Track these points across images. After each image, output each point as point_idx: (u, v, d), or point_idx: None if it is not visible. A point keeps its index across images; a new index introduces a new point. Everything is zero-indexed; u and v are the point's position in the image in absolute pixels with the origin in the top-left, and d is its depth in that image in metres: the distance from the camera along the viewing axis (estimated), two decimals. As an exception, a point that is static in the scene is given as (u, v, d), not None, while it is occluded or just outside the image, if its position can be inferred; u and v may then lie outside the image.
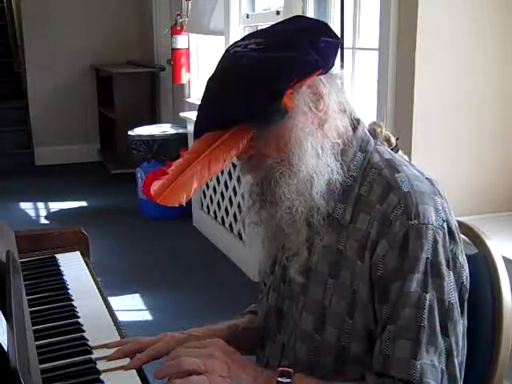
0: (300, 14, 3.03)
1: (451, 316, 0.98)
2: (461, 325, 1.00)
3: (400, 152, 1.16)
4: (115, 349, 1.16)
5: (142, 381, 1.06)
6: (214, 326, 1.24)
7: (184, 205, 1.02)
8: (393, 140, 1.16)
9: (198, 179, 1.01)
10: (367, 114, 2.57)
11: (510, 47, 2.25)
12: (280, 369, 1.00)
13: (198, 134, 1.04)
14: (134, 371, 1.08)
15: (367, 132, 1.11)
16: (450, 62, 2.21)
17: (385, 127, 1.17)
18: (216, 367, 0.97)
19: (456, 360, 0.98)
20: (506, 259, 1.39)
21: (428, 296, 0.96)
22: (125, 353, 1.15)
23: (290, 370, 1.00)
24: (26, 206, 5.20)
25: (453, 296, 0.98)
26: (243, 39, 1.07)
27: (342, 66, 1.14)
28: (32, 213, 5.07)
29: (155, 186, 1.03)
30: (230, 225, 4.00)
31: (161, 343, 1.16)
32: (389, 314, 0.98)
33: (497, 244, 1.16)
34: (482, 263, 1.12)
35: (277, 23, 1.12)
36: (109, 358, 1.13)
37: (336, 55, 1.05)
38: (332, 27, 1.07)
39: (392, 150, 1.14)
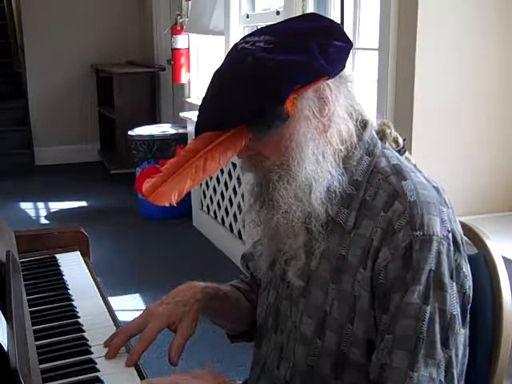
0: (300, 14, 3.03)
1: (452, 327, 0.96)
2: (462, 335, 0.98)
3: (407, 154, 1.14)
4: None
5: (141, 380, 1.05)
6: (197, 282, 1.21)
7: (175, 205, 0.99)
8: (400, 141, 1.14)
9: (192, 179, 0.99)
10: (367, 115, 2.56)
11: (510, 47, 2.25)
12: None
13: (197, 133, 1.02)
14: (134, 372, 1.08)
15: (375, 135, 1.09)
16: (450, 62, 2.21)
17: (393, 127, 1.15)
18: None
19: (455, 371, 0.96)
20: (506, 259, 1.38)
21: (429, 308, 0.94)
22: (117, 348, 1.12)
23: None
24: (26, 206, 5.20)
25: (455, 307, 0.96)
26: (253, 34, 1.04)
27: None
28: (32, 213, 5.07)
29: (148, 183, 1.01)
30: (230, 225, 4.00)
31: (151, 324, 1.12)
32: (388, 324, 0.97)
33: (497, 244, 1.16)
34: (481, 263, 1.12)
35: (290, 19, 1.09)
36: (107, 357, 1.12)
37: (346, 59, 1.02)
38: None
39: (399, 151, 1.12)
